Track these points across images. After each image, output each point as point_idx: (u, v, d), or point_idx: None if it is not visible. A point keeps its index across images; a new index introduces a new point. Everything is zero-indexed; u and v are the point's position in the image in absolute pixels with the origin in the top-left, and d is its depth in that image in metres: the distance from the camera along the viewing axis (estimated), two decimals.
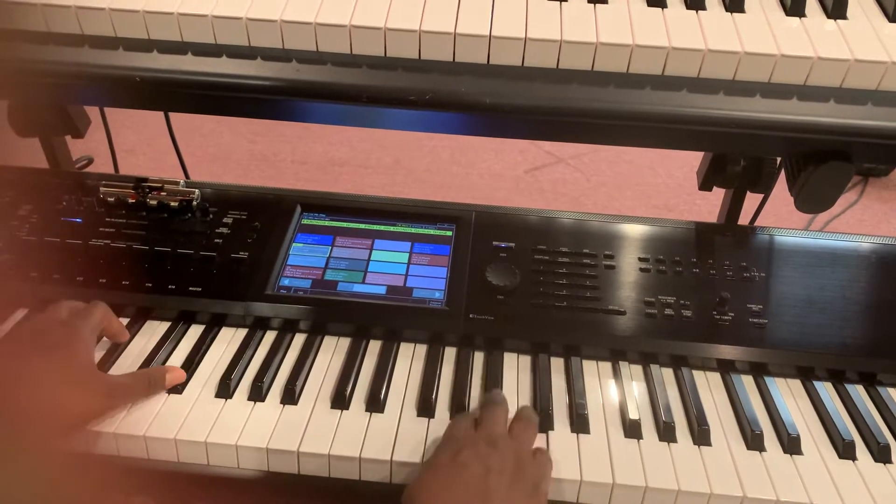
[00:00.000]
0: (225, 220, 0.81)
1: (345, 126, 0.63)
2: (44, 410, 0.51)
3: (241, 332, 0.73)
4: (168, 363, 0.69)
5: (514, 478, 0.56)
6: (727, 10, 0.62)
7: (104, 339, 0.71)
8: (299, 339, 0.72)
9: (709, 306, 0.74)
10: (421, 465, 0.61)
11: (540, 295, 0.74)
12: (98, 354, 0.69)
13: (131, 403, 0.64)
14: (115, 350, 0.70)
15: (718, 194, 0.95)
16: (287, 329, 0.73)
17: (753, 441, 0.64)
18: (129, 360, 0.69)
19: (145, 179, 0.83)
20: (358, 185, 1.98)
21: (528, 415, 0.64)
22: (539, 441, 0.63)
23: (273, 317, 0.73)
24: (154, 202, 0.81)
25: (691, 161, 0.91)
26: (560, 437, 0.64)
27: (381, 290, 0.75)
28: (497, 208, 0.84)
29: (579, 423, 0.65)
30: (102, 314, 0.67)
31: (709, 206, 1.89)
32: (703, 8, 0.62)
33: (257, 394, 0.66)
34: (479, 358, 0.72)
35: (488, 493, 0.54)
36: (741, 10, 0.61)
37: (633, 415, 0.65)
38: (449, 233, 0.82)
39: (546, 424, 0.65)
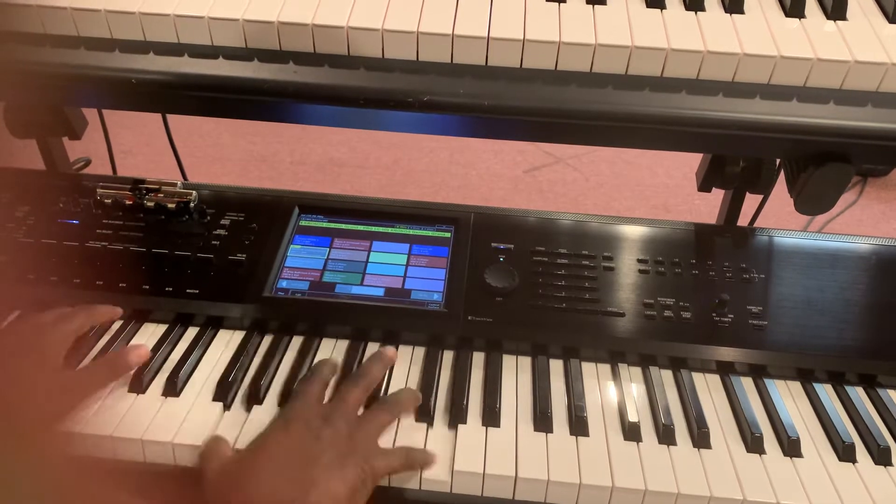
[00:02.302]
0: (222, 221, 0.80)
1: (344, 128, 0.63)
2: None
3: (239, 335, 0.72)
4: (165, 366, 0.69)
5: (343, 452, 0.56)
6: (726, 11, 0.62)
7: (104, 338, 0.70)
8: (297, 342, 0.72)
9: (708, 308, 0.74)
10: None
11: (539, 297, 0.74)
12: (95, 356, 0.69)
13: (98, 391, 0.63)
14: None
15: (718, 195, 0.95)
16: (285, 331, 0.73)
17: (753, 443, 0.64)
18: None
19: (142, 181, 0.83)
20: (357, 185, 1.98)
21: (399, 399, 0.63)
22: (538, 441, 0.63)
23: (271, 319, 0.73)
24: (151, 204, 0.80)
25: (690, 162, 0.91)
26: (559, 440, 0.64)
27: (380, 292, 0.75)
28: (495, 209, 0.84)
29: (578, 425, 0.65)
30: (84, 316, 0.67)
31: (708, 207, 1.89)
32: (703, 9, 0.61)
33: (255, 396, 0.66)
34: (477, 360, 0.72)
35: (311, 457, 0.54)
36: (740, 12, 0.61)
37: (632, 417, 0.65)
38: (447, 234, 0.81)
39: (545, 426, 0.65)
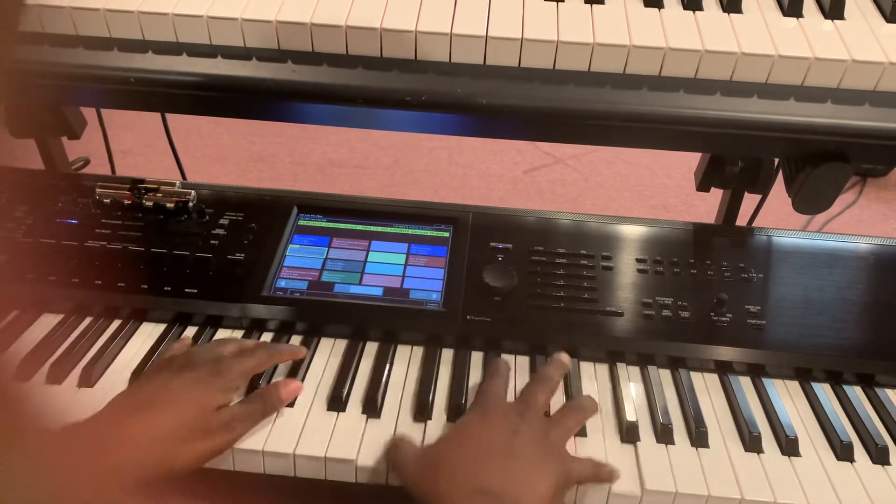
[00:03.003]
0: (221, 221, 0.80)
1: (342, 127, 0.63)
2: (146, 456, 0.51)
3: (238, 334, 0.72)
4: None
5: (542, 444, 0.56)
6: (724, 10, 0.62)
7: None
8: (295, 341, 0.72)
9: (706, 307, 0.74)
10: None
11: (537, 296, 0.74)
12: (93, 356, 0.69)
13: (251, 428, 0.61)
14: (110, 353, 0.69)
15: (717, 195, 0.95)
16: (283, 331, 0.73)
17: (751, 443, 0.64)
18: (124, 362, 0.69)
19: (141, 181, 0.83)
20: (356, 185, 1.98)
21: (582, 405, 0.63)
22: None
23: (269, 318, 0.73)
24: (150, 203, 0.80)
25: (689, 162, 0.91)
26: None
27: (378, 292, 0.75)
28: (494, 209, 0.84)
29: None
30: (265, 354, 0.66)
31: (707, 207, 1.89)
32: (700, 8, 0.62)
33: None
34: (476, 360, 0.72)
35: (512, 451, 0.54)
36: (738, 11, 0.61)
37: (630, 416, 0.65)
38: (446, 234, 0.81)
39: None
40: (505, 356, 0.72)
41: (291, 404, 0.65)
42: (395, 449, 0.60)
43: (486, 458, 0.54)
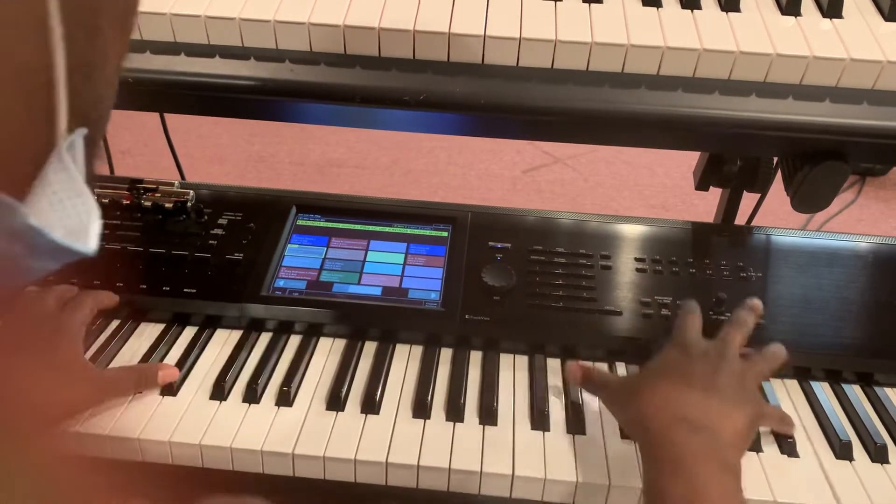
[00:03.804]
0: (220, 221, 0.80)
1: (341, 126, 0.63)
2: (28, 405, 0.51)
3: (236, 334, 0.72)
4: None
5: (738, 387, 0.59)
6: (722, 9, 0.62)
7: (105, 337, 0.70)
8: (294, 341, 0.72)
9: (705, 307, 0.73)
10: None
11: (536, 296, 0.74)
12: (91, 356, 0.69)
13: (121, 397, 0.64)
14: (109, 353, 0.69)
15: (716, 194, 0.95)
16: (282, 330, 0.73)
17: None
18: (123, 362, 0.69)
19: (140, 181, 0.83)
20: (355, 185, 1.98)
21: (774, 352, 0.65)
22: (536, 439, 0.63)
23: (268, 318, 0.73)
24: (148, 203, 0.80)
25: (689, 161, 0.91)
26: (556, 439, 0.64)
27: (377, 292, 0.75)
28: (493, 209, 0.84)
29: (575, 424, 0.65)
30: (92, 303, 0.68)
31: (706, 206, 1.89)
32: (699, 7, 0.61)
33: (252, 396, 0.66)
34: (475, 359, 0.72)
35: (713, 386, 0.57)
36: (736, 10, 0.61)
37: None
38: (445, 233, 0.81)
39: (542, 425, 0.65)
40: (504, 356, 0.72)
41: (291, 403, 0.65)
42: (592, 372, 0.64)
43: (689, 390, 0.57)
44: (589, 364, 0.67)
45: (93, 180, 0.26)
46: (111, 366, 0.68)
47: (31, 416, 0.43)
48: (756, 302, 0.68)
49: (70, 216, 0.24)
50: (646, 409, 0.57)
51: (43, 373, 0.59)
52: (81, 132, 0.25)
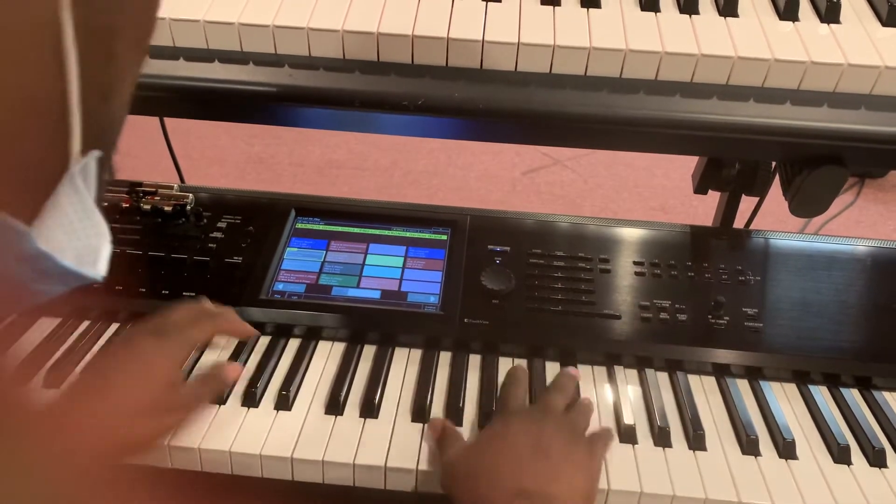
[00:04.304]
0: (219, 224, 0.80)
1: (339, 130, 0.63)
2: (102, 437, 0.50)
3: (235, 339, 0.72)
4: None
5: (569, 441, 0.58)
6: (720, 14, 0.62)
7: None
8: (293, 345, 0.72)
9: (704, 310, 0.74)
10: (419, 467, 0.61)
11: (535, 299, 0.74)
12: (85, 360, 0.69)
13: (198, 411, 0.60)
14: None
15: (715, 196, 0.95)
16: (281, 334, 0.73)
17: (749, 446, 0.64)
18: None
19: (139, 184, 0.83)
20: (355, 187, 1.98)
21: (587, 404, 0.65)
22: None
23: (267, 322, 0.73)
24: (148, 206, 0.80)
25: (688, 163, 0.91)
26: None
27: (376, 295, 0.75)
28: (492, 212, 0.84)
29: None
30: (212, 328, 0.63)
31: (706, 208, 1.89)
32: (697, 12, 0.62)
33: (251, 400, 0.66)
34: (474, 362, 0.72)
35: (544, 449, 0.56)
36: (734, 15, 0.61)
37: (628, 419, 0.65)
38: (444, 237, 0.82)
39: None
40: (503, 359, 0.72)
41: (290, 407, 0.65)
42: (449, 434, 0.62)
43: (521, 461, 0.56)
44: (451, 427, 0.63)
45: (102, 201, 0.26)
46: None
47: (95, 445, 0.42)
48: (574, 370, 0.68)
49: (80, 239, 0.24)
50: (483, 489, 0.54)
51: (128, 404, 0.54)
52: (94, 155, 0.25)
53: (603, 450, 0.61)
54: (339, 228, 0.82)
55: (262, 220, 0.81)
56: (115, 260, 0.80)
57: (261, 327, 0.73)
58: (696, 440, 0.64)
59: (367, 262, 0.79)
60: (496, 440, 0.59)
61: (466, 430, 0.64)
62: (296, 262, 0.78)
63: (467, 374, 0.70)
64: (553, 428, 0.59)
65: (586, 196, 1.98)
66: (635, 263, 0.78)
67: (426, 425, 0.64)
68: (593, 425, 0.65)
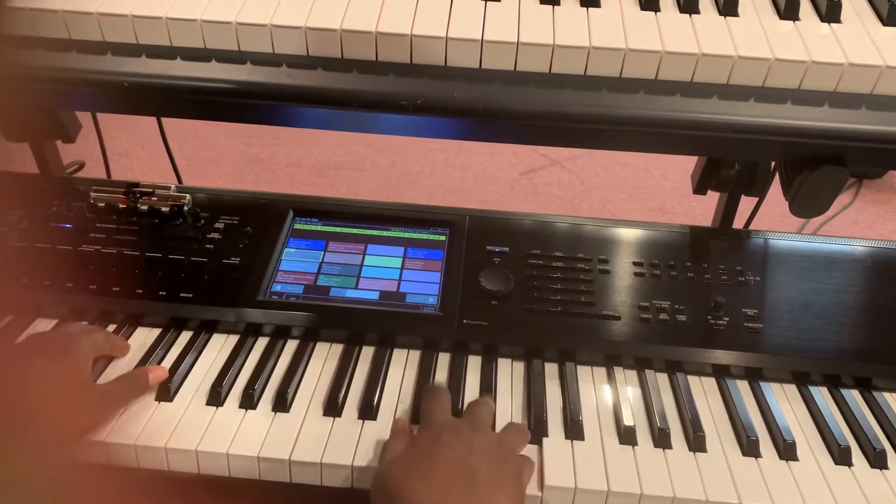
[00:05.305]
0: (216, 225, 0.80)
1: (337, 130, 0.63)
2: (42, 418, 0.50)
3: (233, 339, 0.72)
4: None
5: (497, 460, 0.56)
6: (721, 13, 0.61)
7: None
8: (291, 346, 0.72)
9: (704, 311, 0.73)
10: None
11: (534, 300, 0.74)
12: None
13: (122, 409, 0.64)
14: (104, 358, 0.69)
15: (714, 196, 0.95)
16: (279, 335, 0.73)
17: (749, 447, 0.64)
18: (120, 368, 0.68)
19: (136, 184, 0.82)
20: (353, 188, 1.97)
21: (519, 425, 0.64)
22: (533, 448, 0.63)
23: (265, 323, 0.72)
24: (145, 207, 0.80)
25: (687, 163, 0.91)
26: (554, 444, 0.63)
27: (374, 296, 0.75)
28: (491, 212, 0.84)
29: (574, 429, 0.64)
30: (105, 334, 0.69)
31: (704, 209, 1.89)
32: (697, 12, 0.61)
33: (249, 401, 0.65)
34: (472, 364, 0.71)
35: (471, 471, 0.54)
36: (735, 14, 0.61)
37: (627, 421, 0.65)
38: (442, 237, 0.81)
39: (540, 431, 0.64)
40: (501, 360, 0.72)
41: (288, 409, 0.65)
42: (382, 453, 0.60)
43: (446, 490, 0.53)
44: (403, 423, 0.63)
45: None
46: (107, 371, 0.68)
47: (40, 428, 0.42)
48: (485, 398, 0.66)
49: None
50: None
51: (53, 388, 0.59)
52: None
53: (530, 473, 0.59)
54: (338, 229, 0.82)
55: (259, 220, 0.81)
56: (113, 260, 0.80)
57: (259, 328, 0.73)
58: (696, 441, 0.64)
59: (365, 263, 0.78)
60: (424, 460, 0.55)
61: None
62: (294, 263, 0.78)
63: (466, 375, 0.70)
64: (483, 446, 0.56)
65: (584, 197, 1.98)
66: (634, 264, 0.78)
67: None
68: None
